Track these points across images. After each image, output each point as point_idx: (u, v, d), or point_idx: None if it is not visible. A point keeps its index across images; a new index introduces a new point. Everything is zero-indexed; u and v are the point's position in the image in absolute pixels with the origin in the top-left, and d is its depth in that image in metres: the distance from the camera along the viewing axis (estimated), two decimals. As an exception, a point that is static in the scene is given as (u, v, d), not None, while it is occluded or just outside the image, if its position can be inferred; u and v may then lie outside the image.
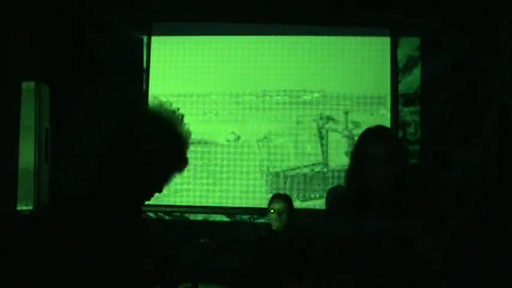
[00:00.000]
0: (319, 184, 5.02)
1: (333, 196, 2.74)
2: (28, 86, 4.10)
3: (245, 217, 4.99)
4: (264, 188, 5.05)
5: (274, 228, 4.08)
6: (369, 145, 2.45)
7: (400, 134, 4.69)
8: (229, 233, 4.79)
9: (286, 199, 4.18)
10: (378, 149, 2.41)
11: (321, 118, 5.07)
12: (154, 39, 5.20)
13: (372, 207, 2.34)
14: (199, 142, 4.99)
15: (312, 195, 5.03)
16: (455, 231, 2.58)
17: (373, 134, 2.52)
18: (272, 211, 4.09)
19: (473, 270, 3.37)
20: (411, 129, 4.70)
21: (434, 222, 2.35)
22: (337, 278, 2.32)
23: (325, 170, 5.03)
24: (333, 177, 4.99)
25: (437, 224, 2.37)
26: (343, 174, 2.62)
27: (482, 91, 4.52)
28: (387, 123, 4.74)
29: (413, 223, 2.24)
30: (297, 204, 4.69)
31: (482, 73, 4.54)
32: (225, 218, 5.02)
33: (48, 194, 4.14)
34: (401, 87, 4.83)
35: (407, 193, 2.40)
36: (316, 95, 5.11)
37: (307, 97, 5.11)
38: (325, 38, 5.12)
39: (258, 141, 5.17)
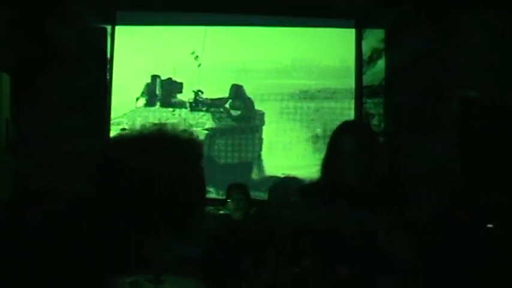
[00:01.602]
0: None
1: (302, 186, 2.79)
2: (-13, 76, 4.03)
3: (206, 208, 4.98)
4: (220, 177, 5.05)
5: (232, 218, 4.13)
6: (341, 138, 2.52)
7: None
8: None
9: (244, 189, 4.22)
10: (349, 142, 2.47)
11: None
12: (118, 28, 5.16)
13: (341, 198, 2.40)
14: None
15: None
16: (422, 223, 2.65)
17: (346, 127, 2.59)
18: (230, 201, 4.12)
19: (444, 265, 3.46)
20: (375, 121, 4.77)
21: (402, 214, 2.41)
22: (300, 267, 2.37)
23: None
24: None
25: (404, 216, 2.43)
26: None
27: (445, 83, 4.61)
28: (351, 114, 4.81)
29: (380, 215, 2.30)
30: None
31: (445, 65, 4.62)
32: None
33: (10, 187, 4.09)
34: (366, 79, 4.89)
35: (377, 186, 2.46)
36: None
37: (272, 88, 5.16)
38: (292, 29, 5.15)
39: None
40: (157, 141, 1.50)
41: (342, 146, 2.47)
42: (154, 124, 1.54)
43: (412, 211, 2.62)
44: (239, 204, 4.11)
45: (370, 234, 2.26)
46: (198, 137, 1.66)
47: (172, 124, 1.55)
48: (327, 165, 2.54)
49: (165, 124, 1.56)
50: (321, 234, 2.30)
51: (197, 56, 5.20)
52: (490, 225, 3.67)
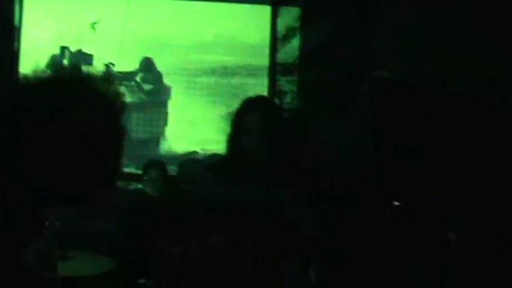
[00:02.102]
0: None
1: (210, 162, 2.81)
2: None
3: (118, 183, 4.93)
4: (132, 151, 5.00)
5: (149, 194, 4.13)
6: (245, 114, 2.54)
7: (278, 103, 4.81)
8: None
9: (161, 166, 4.23)
10: (253, 119, 2.50)
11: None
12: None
13: (246, 174, 2.43)
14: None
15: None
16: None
17: (250, 104, 2.61)
18: (147, 178, 4.12)
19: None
20: (288, 99, 4.83)
21: (309, 190, 2.47)
22: (208, 241, 2.40)
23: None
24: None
25: (312, 192, 2.50)
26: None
27: (359, 63, 4.72)
28: (265, 91, 4.85)
29: (285, 191, 2.36)
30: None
31: (359, 44, 4.72)
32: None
33: None
34: (280, 57, 4.93)
35: (283, 163, 2.51)
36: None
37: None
38: (214, 3, 5.13)
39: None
40: (69, 88, 1.23)
41: (245, 122, 2.50)
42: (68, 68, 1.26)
43: (321, 188, 2.70)
44: (156, 180, 4.12)
45: (276, 209, 2.32)
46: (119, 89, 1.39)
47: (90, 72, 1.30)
48: (232, 141, 2.57)
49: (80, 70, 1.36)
50: (228, 210, 2.34)
51: (113, 28, 5.08)
52: (396, 203, 3.81)
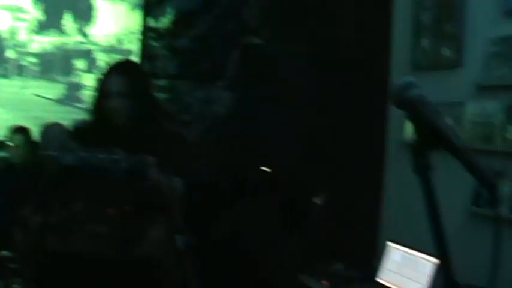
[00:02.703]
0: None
1: (74, 128, 2.73)
2: None
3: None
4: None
5: (11, 161, 4.00)
6: (106, 79, 2.50)
7: (149, 68, 4.75)
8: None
9: (25, 132, 4.09)
10: (116, 82, 2.46)
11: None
12: None
13: (111, 139, 2.40)
14: None
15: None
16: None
17: (112, 68, 2.56)
18: (11, 144, 3.99)
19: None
20: (160, 64, 4.78)
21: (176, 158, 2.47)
22: (71, 209, 2.36)
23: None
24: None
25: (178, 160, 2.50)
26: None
27: (230, 30, 4.75)
28: (136, 57, 4.78)
29: (149, 157, 2.35)
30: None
31: (231, 11, 4.75)
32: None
33: None
34: (151, 22, 4.86)
35: (147, 127, 2.50)
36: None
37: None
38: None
39: None
40: None
41: (108, 85, 2.47)
42: None
43: (185, 153, 2.71)
44: (18, 147, 3.98)
45: (140, 174, 2.31)
46: None
47: None
48: (95, 105, 2.53)
49: None
50: (91, 176, 2.30)
51: None
52: (265, 169, 3.90)
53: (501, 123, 3.05)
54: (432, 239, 1.15)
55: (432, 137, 1.14)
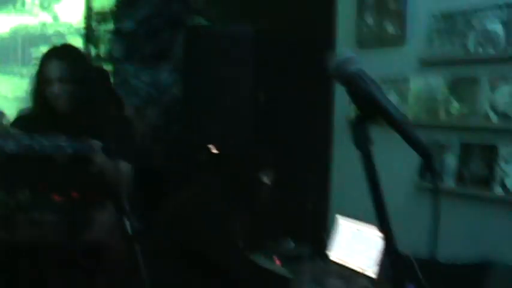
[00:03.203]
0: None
1: (17, 115, 2.67)
2: None
3: None
4: None
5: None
6: (46, 64, 2.45)
7: (94, 51, 4.68)
8: None
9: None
10: (55, 67, 2.41)
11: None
12: None
13: (52, 126, 2.35)
14: None
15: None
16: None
17: (51, 53, 2.51)
18: None
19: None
20: (103, 47, 4.71)
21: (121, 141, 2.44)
22: (16, 197, 2.32)
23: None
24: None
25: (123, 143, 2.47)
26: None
27: (175, 10, 4.71)
28: (79, 42, 4.68)
29: (94, 141, 2.32)
30: None
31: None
32: None
33: None
34: (96, 5, 4.77)
35: (90, 112, 2.46)
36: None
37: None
38: None
39: None
40: None
41: (48, 71, 2.42)
42: None
43: (132, 136, 2.68)
44: None
45: (85, 159, 2.28)
46: None
47: None
48: (37, 92, 2.47)
49: None
50: (35, 163, 2.26)
51: None
52: (214, 150, 3.89)
53: (445, 97, 3.12)
54: (374, 212, 1.16)
55: (371, 111, 1.15)
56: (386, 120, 1.14)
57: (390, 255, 1.16)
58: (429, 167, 1.19)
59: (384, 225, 1.16)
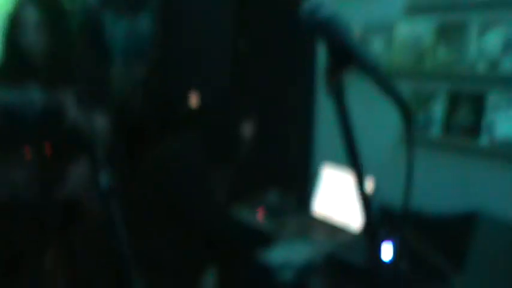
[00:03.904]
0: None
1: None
2: None
3: None
4: None
5: None
6: (20, 11, 2.40)
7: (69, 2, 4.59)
8: None
9: None
10: (29, 15, 2.37)
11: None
12: None
13: (25, 75, 2.33)
14: None
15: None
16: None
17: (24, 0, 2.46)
18: None
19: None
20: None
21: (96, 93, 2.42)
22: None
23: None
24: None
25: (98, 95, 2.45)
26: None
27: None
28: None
29: (67, 92, 2.29)
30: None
31: None
32: None
33: None
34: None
35: (65, 62, 2.42)
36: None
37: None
38: None
39: None
40: None
41: (23, 18, 2.37)
42: None
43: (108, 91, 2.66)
44: None
45: (57, 113, 2.25)
46: None
47: None
48: (9, 39, 2.43)
49: None
50: (4, 118, 2.23)
51: None
52: (194, 100, 3.88)
53: (432, 44, 3.10)
54: (350, 162, 1.17)
55: (344, 57, 1.14)
56: (359, 68, 1.13)
57: (364, 206, 1.17)
58: (405, 120, 1.18)
59: (356, 172, 1.16)
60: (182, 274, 2.56)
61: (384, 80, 1.12)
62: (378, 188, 3.08)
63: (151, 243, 2.47)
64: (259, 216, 3.30)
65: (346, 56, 1.13)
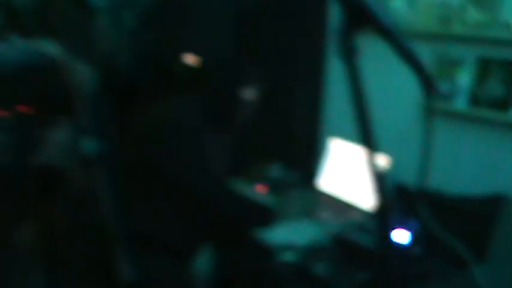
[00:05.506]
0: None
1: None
2: None
3: None
4: None
5: None
6: None
7: None
8: None
9: None
10: None
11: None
12: None
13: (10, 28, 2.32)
14: None
15: None
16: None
17: None
18: None
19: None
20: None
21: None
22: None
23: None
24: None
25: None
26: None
27: None
28: None
29: (46, 46, 2.28)
30: None
31: None
32: None
33: None
34: None
35: (47, 11, 2.41)
36: None
37: None
38: None
39: None
40: None
41: None
42: None
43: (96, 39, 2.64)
44: None
45: (35, 69, 2.24)
46: None
47: None
48: None
49: None
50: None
51: None
52: (191, 61, 3.85)
53: (460, 4, 3.06)
54: (362, 135, 1.16)
55: (359, 17, 1.12)
56: (376, 30, 1.12)
57: (377, 184, 1.17)
58: (426, 86, 1.17)
59: (366, 142, 1.16)
60: (174, 250, 2.58)
61: (402, 44, 1.11)
62: (393, 165, 3.07)
63: (141, 215, 2.48)
64: (262, 189, 3.30)
65: (361, 15, 1.12)
